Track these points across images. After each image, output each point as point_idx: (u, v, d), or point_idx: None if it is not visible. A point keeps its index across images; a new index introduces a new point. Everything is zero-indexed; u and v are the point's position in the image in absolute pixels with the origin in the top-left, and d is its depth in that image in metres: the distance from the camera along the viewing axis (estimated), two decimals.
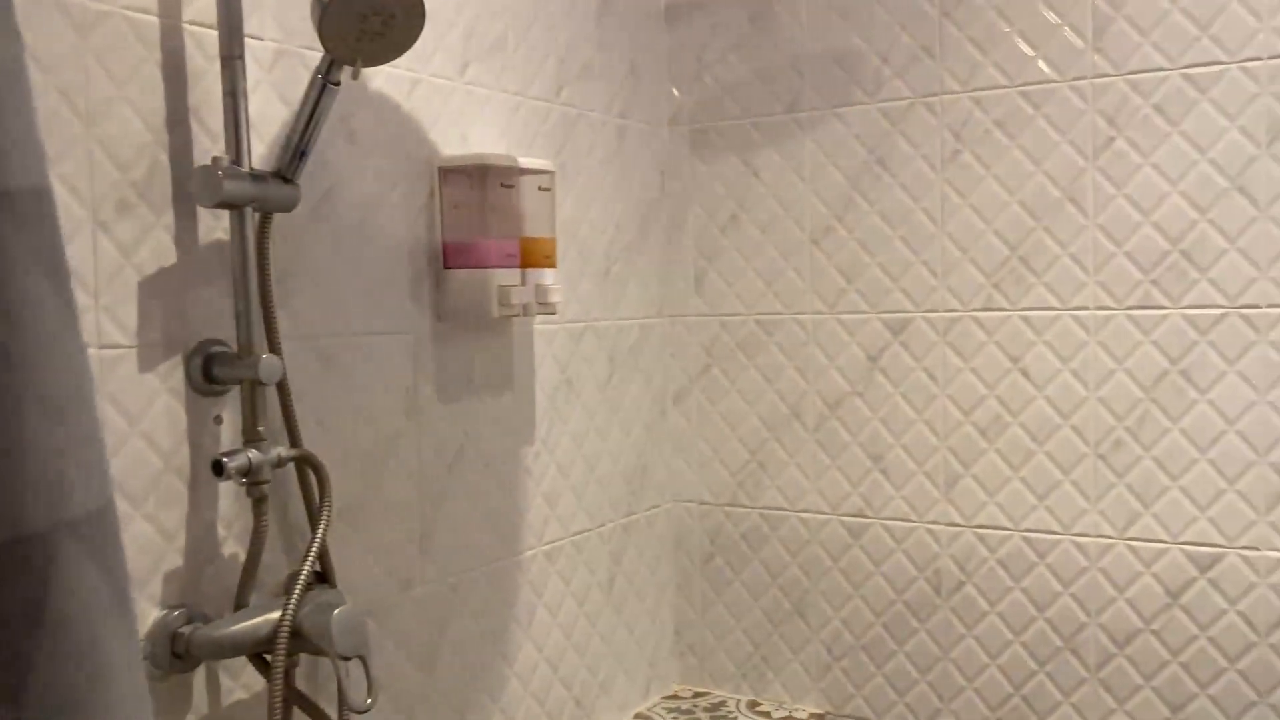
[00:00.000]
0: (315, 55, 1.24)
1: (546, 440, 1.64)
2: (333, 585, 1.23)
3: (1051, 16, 1.59)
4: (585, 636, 1.72)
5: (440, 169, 1.42)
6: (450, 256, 1.42)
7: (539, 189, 1.48)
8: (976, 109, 1.65)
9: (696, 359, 1.92)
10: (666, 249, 1.92)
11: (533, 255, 1.47)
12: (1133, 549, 1.58)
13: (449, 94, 1.45)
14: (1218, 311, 1.51)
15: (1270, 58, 1.46)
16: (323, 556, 1.23)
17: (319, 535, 1.19)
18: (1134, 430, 1.57)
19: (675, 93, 1.91)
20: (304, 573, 1.16)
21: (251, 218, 1.12)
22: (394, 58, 1.13)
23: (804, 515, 1.83)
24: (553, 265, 1.50)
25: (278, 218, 1.20)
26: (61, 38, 1.01)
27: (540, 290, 1.48)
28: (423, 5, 1.10)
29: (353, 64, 1.10)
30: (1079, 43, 1.57)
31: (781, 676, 1.85)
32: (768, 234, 1.84)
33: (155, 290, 1.09)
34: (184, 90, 1.11)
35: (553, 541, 1.65)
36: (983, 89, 1.65)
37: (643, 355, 1.87)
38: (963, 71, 1.66)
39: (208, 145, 1.13)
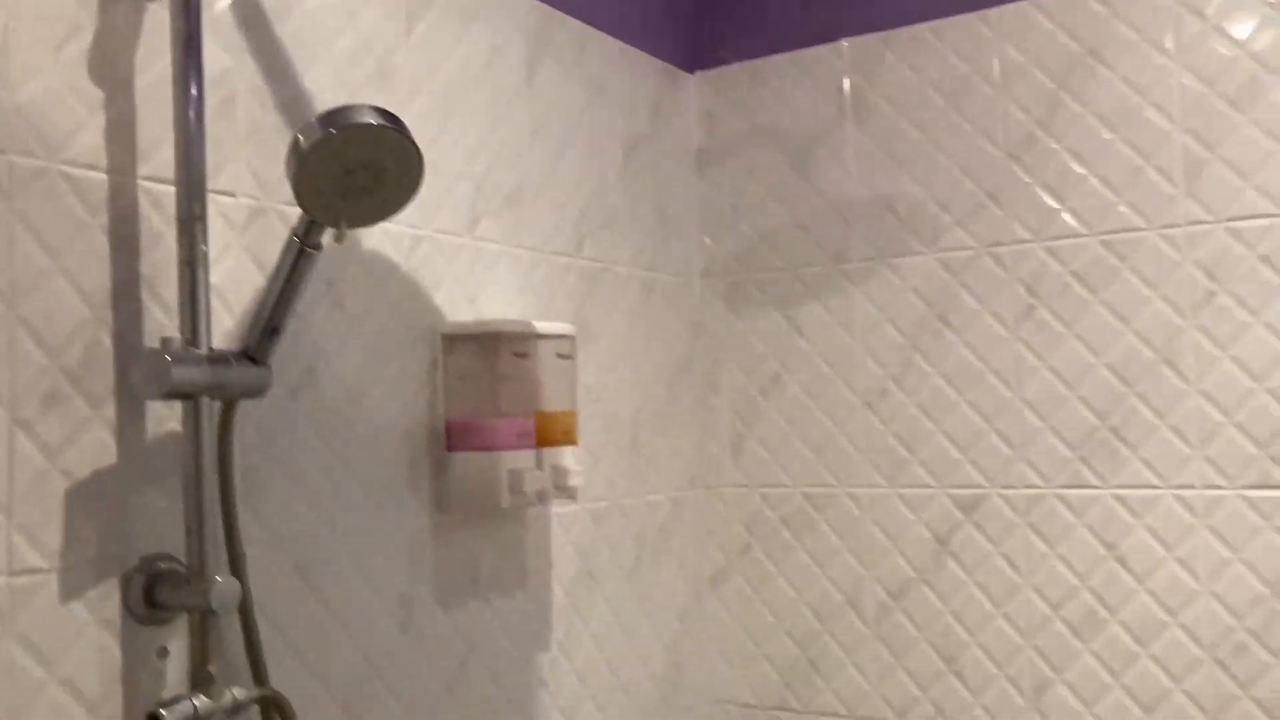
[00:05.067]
0: (297, 213, 1.07)
1: (564, 644, 1.41)
2: None
3: (1135, 157, 1.42)
4: None
5: (444, 337, 1.23)
6: (454, 437, 1.22)
7: (558, 356, 1.29)
8: (1053, 260, 1.47)
9: (736, 537, 1.69)
10: (700, 413, 1.72)
11: (550, 432, 1.27)
12: None
13: (456, 252, 1.27)
14: None
15: None
16: None
17: None
18: (1258, 633, 1.33)
19: (708, 242, 1.73)
20: None
21: (210, 407, 0.92)
22: (386, 218, 0.96)
23: None
24: (573, 442, 1.30)
25: (245, 404, 1.00)
26: None
27: (558, 472, 1.27)
28: (420, 157, 0.92)
29: (336, 226, 0.93)
30: (1169, 187, 1.39)
31: None
32: (815, 397, 1.64)
33: (87, 498, 0.89)
34: (135, 258, 0.93)
35: None
36: (1058, 238, 1.46)
37: (675, 535, 1.65)
38: (1034, 218, 1.48)
39: (162, 321, 0.95)
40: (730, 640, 1.69)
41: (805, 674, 1.63)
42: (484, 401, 1.23)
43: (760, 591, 1.67)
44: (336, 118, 0.88)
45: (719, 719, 1.69)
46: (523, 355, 1.24)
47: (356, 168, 0.90)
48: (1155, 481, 1.39)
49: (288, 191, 1.06)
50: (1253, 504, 1.34)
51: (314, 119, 0.88)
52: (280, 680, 1.03)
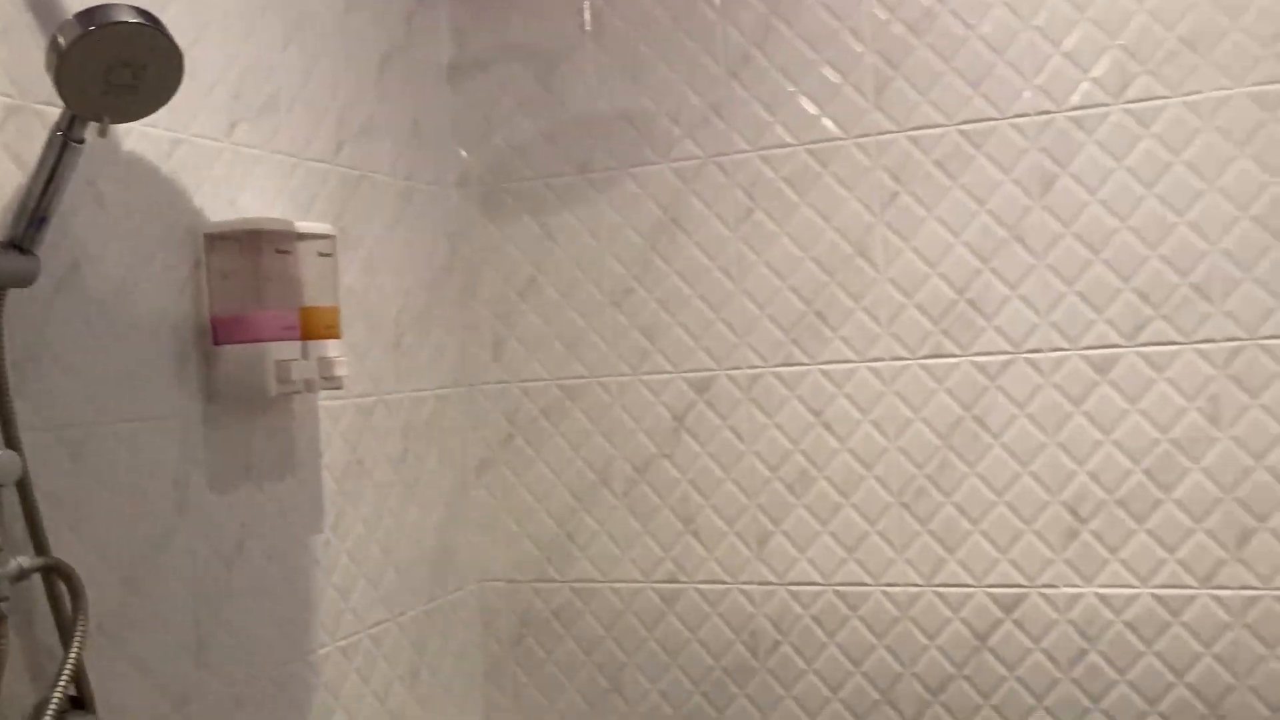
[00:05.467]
0: (56, 113, 1.11)
1: (337, 527, 1.51)
2: (92, 711, 1.07)
3: (834, 76, 1.63)
4: None
5: (206, 236, 1.30)
6: (220, 331, 1.29)
7: (319, 254, 1.38)
8: (767, 168, 1.67)
9: (498, 429, 1.83)
10: (461, 315, 1.84)
11: (314, 326, 1.36)
12: (940, 595, 1.59)
13: (215, 155, 1.33)
14: (1005, 358, 1.55)
15: (1036, 114, 1.53)
16: (79, 679, 1.07)
17: (73, 655, 1.03)
18: (934, 478, 1.59)
19: (463, 153, 1.84)
20: (54, 700, 1.00)
21: None
22: (148, 113, 1.02)
23: (617, 586, 1.76)
24: (336, 336, 1.40)
25: (14, 293, 1.05)
26: None
27: (324, 363, 1.36)
28: (180, 55, 0.99)
29: (99, 120, 0.98)
30: (861, 102, 1.61)
31: None
32: (567, 297, 1.79)
33: None
34: None
35: (348, 637, 1.52)
36: (771, 148, 1.66)
37: (440, 428, 1.77)
38: (751, 130, 1.67)
39: None
40: (495, 522, 1.83)
41: (564, 547, 1.80)
42: (248, 297, 1.31)
43: (522, 476, 1.82)
44: (95, 15, 0.93)
45: (486, 594, 1.84)
46: (284, 252, 1.32)
47: (117, 65, 0.96)
48: (852, 356, 1.63)
49: (44, 90, 1.09)
50: (929, 371, 1.59)
51: (73, 16, 0.93)
52: (60, 556, 1.09)
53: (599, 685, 1.77)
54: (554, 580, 1.80)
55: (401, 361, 1.68)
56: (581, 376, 1.78)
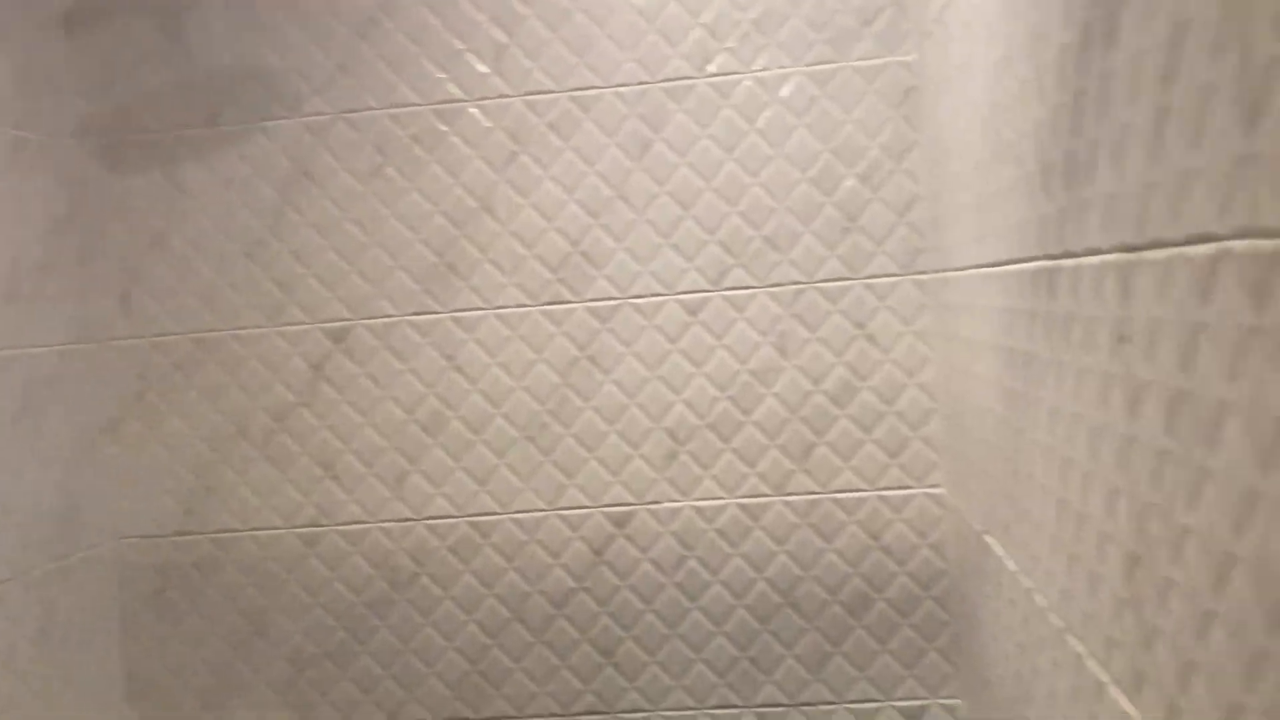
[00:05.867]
0: None
1: None
2: None
3: (456, 42, 1.73)
4: (17, 698, 1.55)
5: None
6: None
7: None
8: (395, 126, 1.75)
9: (128, 385, 1.81)
10: (83, 270, 1.80)
11: None
12: (563, 518, 1.76)
13: None
14: (614, 303, 1.73)
15: (635, 84, 1.71)
16: None
17: None
18: (555, 413, 1.75)
19: (81, 104, 1.79)
20: None
21: None
22: None
23: (257, 534, 1.80)
24: None
25: None
26: None
27: None
28: None
29: None
30: (481, 67, 1.73)
31: (246, 700, 1.81)
32: (198, 249, 1.79)
33: None
34: None
35: None
36: (399, 107, 1.75)
37: (63, 385, 1.73)
38: (379, 90, 1.75)
39: None
40: (129, 478, 1.81)
41: (202, 500, 1.81)
42: None
43: (155, 431, 1.81)
44: None
45: (122, 550, 1.82)
46: None
47: None
48: (481, 304, 1.75)
49: None
50: (549, 316, 1.75)
51: None
52: None
53: (242, 631, 1.81)
54: (193, 533, 1.81)
55: (17, 317, 1.62)
56: (215, 329, 1.79)
